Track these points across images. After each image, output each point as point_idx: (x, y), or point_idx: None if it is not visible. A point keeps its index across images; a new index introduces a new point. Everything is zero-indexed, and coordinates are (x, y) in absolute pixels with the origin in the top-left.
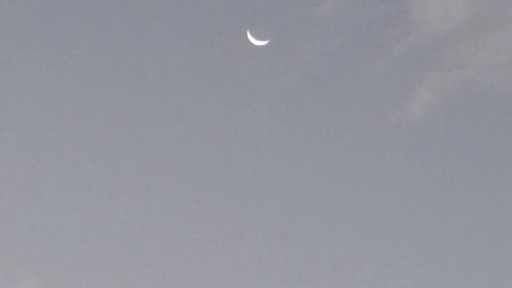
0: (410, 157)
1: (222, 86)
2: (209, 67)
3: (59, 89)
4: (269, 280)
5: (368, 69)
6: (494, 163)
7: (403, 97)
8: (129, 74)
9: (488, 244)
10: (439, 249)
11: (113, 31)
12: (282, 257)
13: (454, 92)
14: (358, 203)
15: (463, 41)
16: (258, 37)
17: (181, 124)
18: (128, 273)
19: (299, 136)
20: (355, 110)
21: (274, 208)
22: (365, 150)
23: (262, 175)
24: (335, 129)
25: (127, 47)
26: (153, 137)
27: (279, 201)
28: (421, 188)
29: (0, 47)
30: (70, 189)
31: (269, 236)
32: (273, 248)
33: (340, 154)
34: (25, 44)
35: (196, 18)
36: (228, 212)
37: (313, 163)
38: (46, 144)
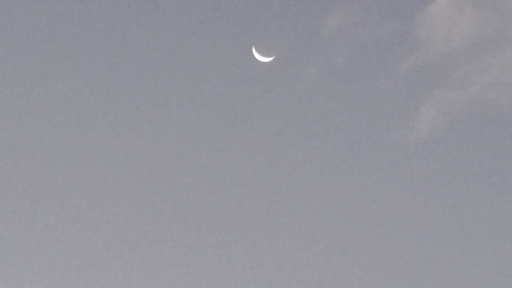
0: (416, 174)
1: (227, 103)
2: (214, 83)
3: (60, 88)
4: (270, 281)
5: (373, 87)
6: (500, 181)
7: (409, 115)
8: (136, 86)
9: (495, 259)
10: (445, 265)
11: (126, 46)
12: (288, 262)
13: (460, 110)
14: (364, 219)
15: (469, 59)
16: (263, 54)
17: (184, 139)
18: (134, 275)
19: (305, 153)
20: (361, 127)
21: (282, 219)
22: (370, 167)
23: (268, 189)
24: (341, 146)
25: (135, 62)
26: (162, 148)
27: (286, 213)
28: (426, 205)
29: (0, 47)
30: (78, 192)
31: (275, 244)
32: (281, 254)
33: (346, 171)
34: (25, 44)
35: (201, 35)
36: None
37: (319, 180)
38: (53, 146)
